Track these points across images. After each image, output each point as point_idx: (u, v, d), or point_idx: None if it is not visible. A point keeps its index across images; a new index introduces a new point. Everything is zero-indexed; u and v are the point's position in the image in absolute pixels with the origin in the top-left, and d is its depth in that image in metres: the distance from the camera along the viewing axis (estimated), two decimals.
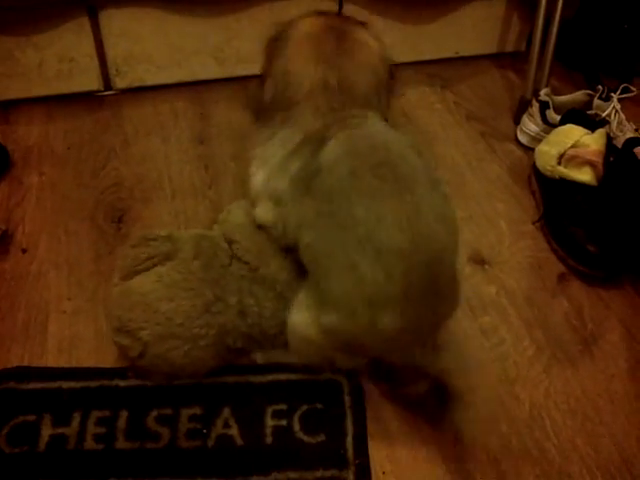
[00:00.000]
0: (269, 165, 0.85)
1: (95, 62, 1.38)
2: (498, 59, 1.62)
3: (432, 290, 0.73)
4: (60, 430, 0.85)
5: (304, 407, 0.88)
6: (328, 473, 0.82)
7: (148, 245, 0.89)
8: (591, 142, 1.12)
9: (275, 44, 0.87)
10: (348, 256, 0.73)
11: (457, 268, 0.77)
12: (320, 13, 0.88)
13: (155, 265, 0.88)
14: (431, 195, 0.75)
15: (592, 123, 1.17)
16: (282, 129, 0.84)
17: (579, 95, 1.31)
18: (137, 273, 0.87)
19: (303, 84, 0.82)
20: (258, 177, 0.87)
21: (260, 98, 0.89)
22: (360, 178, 0.74)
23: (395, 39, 1.52)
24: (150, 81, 1.44)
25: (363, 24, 0.90)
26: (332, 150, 0.78)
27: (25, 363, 0.92)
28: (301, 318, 0.82)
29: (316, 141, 0.79)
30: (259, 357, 0.92)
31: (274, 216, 0.87)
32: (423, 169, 0.78)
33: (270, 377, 0.91)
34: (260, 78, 0.91)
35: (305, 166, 0.80)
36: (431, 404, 0.84)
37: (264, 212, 0.88)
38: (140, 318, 0.84)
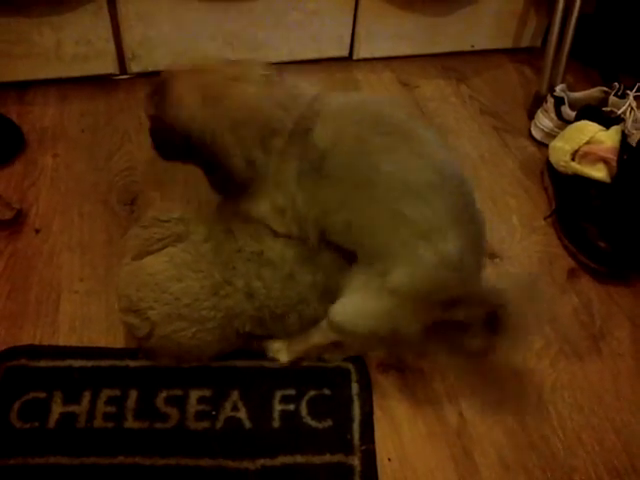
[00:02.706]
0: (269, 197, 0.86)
1: (111, 45, 1.38)
2: (514, 54, 1.61)
3: (469, 213, 0.79)
4: (70, 408, 0.86)
5: (312, 392, 0.89)
6: (334, 458, 0.83)
7: (161, 226, 0.89)
8: (606, 139, 1.12)
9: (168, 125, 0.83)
10: (391, 210, 0.76)
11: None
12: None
13: (166, 246, 0.88)
14: (427, 133, 0.81)
15: (607, 120, 1.16)
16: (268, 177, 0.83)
17: (594, 92, 1.31)
18: (149, 253, 0.88)
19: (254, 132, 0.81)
20: (262, 208, 0.87)
21: (228, 177, 0.83)
22: (367, 141, 0.77)
23: (412, 31, 1.52)
24: (165, 66, 1.44)
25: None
26: (323, 132, 0.78)
27: (37, 341, 0.93)
28: (360, 298, 0.81)
29: (300, 136, 0.79)
30: (282, 356, 0.92)
31: (285, 224, 0.87)
32: (406, 115, 0.83)
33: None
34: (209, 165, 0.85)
35: (304, 160, 0.79)
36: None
37: (277, 226, 0.88)
38: (149, 297, 0.84)
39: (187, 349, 0.87)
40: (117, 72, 1.43)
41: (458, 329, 0.85)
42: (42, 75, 1.38)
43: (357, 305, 0.82)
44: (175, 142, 0.83)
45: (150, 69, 1.43)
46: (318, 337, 0.89)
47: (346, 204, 0.79)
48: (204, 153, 0.82)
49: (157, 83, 0.85)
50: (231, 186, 0.85)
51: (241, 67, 0.84)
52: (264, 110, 0.80)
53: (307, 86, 0.85)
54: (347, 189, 0.78)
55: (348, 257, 0.85)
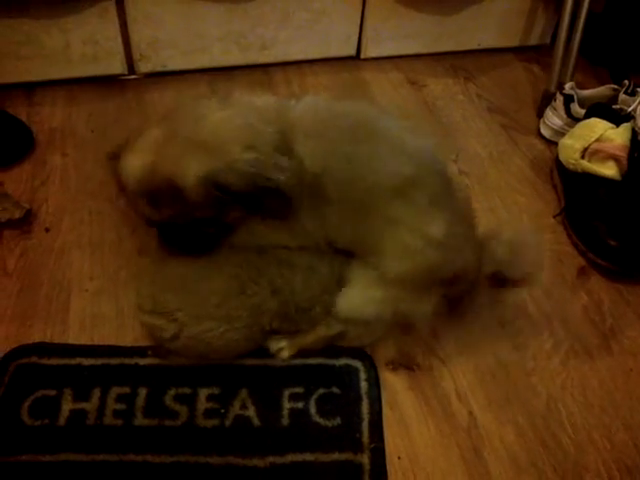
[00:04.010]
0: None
1: (119, 46, 1.39)
2: (522, 52, 1.61)
3: (447, 192, 0.84)
4: (80, 405, 0.86)
5: (321, 391, 0.89)
6: (343, 456, 0.82)
7: None
8: (616, 136, 1.11)
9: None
10: (382, 217, 0.80)
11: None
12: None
13: None
14: (397, 125, 0.83)
15: (617, 117, 1.16)
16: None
17: (604, 89, 1.30)
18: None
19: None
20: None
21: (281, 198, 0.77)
22: (352, 157, 0.78)
23: (419, 30, 1.52)
24: (173, 66, 1.45)
25: None
26: (311, 155, 0.77)
27: (47, 339, 0.93)
28: (363, 288, 0.85)
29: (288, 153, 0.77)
30: (284, 352, 0.92)
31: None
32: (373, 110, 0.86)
33: (288, 361, 0.92)
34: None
35: (302, 181, 0.77)
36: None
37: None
38: (176, 299, 0.84)
39: (214, 349, 0.87)
40: (125, 73, 1.43)
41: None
42: (51, 76, 1.39)
43: (361, 294, 0.85)
44: (208, 222, 0.79)
45: (158, 69, 1.44)
46: (324, 329, 0.90)
47: (347, 223, 0.82)
48: (247, 196, 0.75)
49: (147, 189, 0.76)
50: (285, 204, 0.78)
51: (191, 106, 0.79)
52: (253, 128, 0.76)
53: (260, 98, 0.83)
54: (346, 210, 0.80)
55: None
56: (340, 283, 0.87)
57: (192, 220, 0.78)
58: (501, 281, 0.93)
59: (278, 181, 0.74)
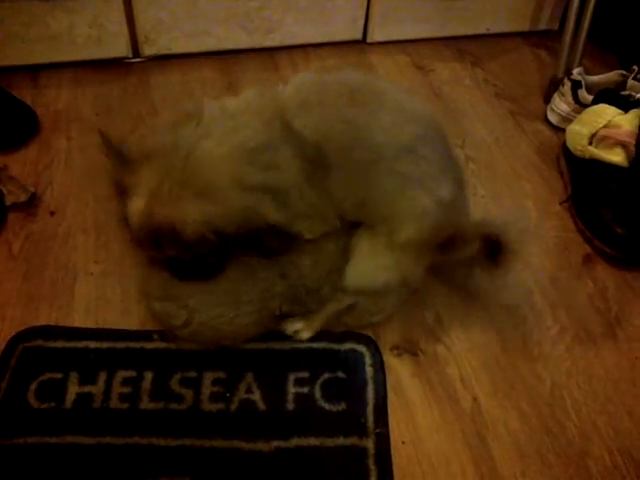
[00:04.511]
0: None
1: (124, 29, 1.37)
2: (530, 37, 1.59)
3: (450, 156, 0.85)
4: (86, 388, 0.86)
5: (326, 375, 0.89)
6: (348, 441, 0.83)
7: None
8: (624, 123, 1.11)
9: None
10: (392, 174, 0.79)
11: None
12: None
13: None
14: (395, 88, 0.85)
15: (625, 103, 1.14)
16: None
17: (612, 75, 1.29)
18: None
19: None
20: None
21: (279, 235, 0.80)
22: (351, 119, 0.78)
23: (427, 14, 1.50)
24: (178, 49, 1.44)
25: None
26: (308, 125, 0.77)
27: (52, 322, 0.94)
28: (371, 257, 0.84)
29: (287, 135, 0.77)
30: (303, 334, 0.92)
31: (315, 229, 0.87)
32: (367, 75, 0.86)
33: (293, 345, 0.92)
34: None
35: (303, 158, 0.78)
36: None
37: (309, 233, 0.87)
38: (186, 286, 0.84)
39: (224, 334, 0.87)
40: (130, 55, 1.42)
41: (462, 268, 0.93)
42: (56, 58, 1.38)
43: (370, 263, 0.85)
44: (212, 258, 0.80)
45: (163, 52, 1.43)
46: (333, 305, 0.90)
47: (354, 187, 0.81)
48: (244, 237, 0.77)
49: (149, 232, 0.77)
50: (284, 240, 0.81)
51: (172, 133, 0.79)
52: (240, 150, 0.76)
53: (235, 99, 0.82)
54: (351, 173, 0.79)
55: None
56: (346, 257, 0.87)
57: (194, 256, 0.79)
58: (499, 260, 0.88)
59: (275, 221, 0.76)
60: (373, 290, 0.87)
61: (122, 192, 0.81)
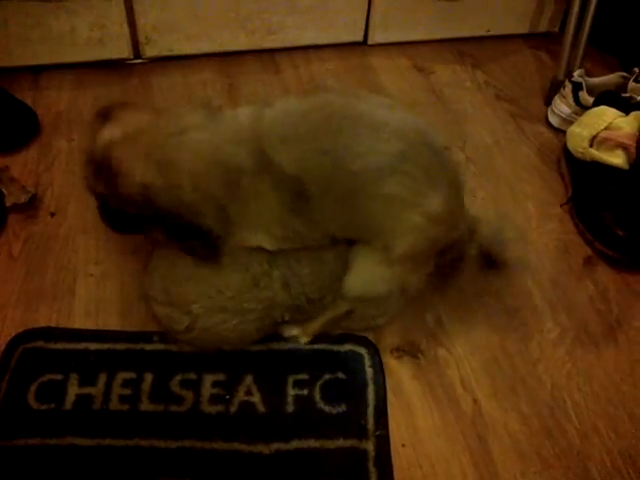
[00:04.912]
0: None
1: (125, 30, 1.38)
2: (531, 39, 1.59)
3: (440, 162, 0.81)
4: (86, 390, 0.86)
5: (326, 377, 0.89)
6: (348, 443, 0.83)
7: None
8: (625, 125, 1.11)
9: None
10: (377, 197, 0.78)
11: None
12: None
13: None
14: (373, 102, 0.82)
15: (626, 106, 1.14)
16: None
17: (613, 77, 1.29)
18: None
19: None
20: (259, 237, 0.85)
21: (203, 238, 0.80)
22: (329, 149, 0.77)
23: (427, 16, 1.50)
24: (179, 51, 1.44)
25: None
26: (287, 160, 0.77)
27: (53, 324, 0.94)
28: (369, 269, 0.84)
29: (265, 169, 0.77)
30: (301, 338, 0.93)
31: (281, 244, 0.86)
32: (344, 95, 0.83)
33: (292, 346, 0.92)
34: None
35: (282, 190, 0.78)
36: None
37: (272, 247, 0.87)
38: (192, 291, 0.84)
39: (226, 340, 0.87)
40: (131, 57, 1.42)
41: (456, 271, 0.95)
42: (57, 59, 1.38)
43: (367, 274, 0.85)
44: (134, 217, 0.80)
45: (164, 54, 1.43)
46: (331, 311, 0.90)
47: (339, 214, 0.81)
48: (171, 221, 0.78)
49: (97, 159, 0.78)
50: (206, 247, 0.81)
51: (176, 115, 0.79)
52: (221, 154, 0.77)
53: (243, 112, 0.82)
54: (334, 201, 0.79)
55: None
56: (347, 267, 0.86)
57: (120, 209, 0.79)
58: (495, 263, 0.92)
59: (202, 223, 0.77)
60: (372, 299, 0.87)
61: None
